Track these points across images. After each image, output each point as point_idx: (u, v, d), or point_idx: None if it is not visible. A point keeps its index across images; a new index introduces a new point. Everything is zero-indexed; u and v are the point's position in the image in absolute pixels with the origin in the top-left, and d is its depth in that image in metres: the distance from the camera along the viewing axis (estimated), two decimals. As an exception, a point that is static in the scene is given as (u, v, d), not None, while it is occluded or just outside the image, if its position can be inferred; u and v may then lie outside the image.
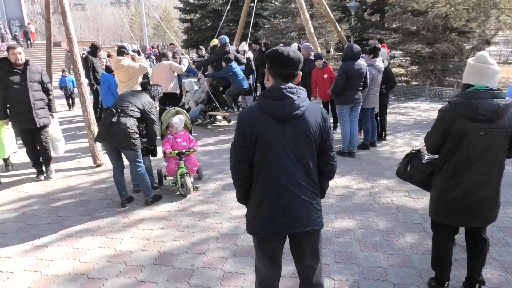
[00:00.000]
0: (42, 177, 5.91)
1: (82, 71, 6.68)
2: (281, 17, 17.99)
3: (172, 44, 10.46)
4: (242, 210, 4.71)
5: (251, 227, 2.41)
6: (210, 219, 4.51)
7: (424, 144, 2.96)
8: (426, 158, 3.03)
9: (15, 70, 5.40)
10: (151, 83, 5.31)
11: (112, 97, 8.78)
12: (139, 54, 8.08)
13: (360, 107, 6.45)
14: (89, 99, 6.68)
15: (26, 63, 5.49)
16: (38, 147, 5.82)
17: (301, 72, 2.32)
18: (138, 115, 4.74)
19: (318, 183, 2.38)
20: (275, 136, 2.20)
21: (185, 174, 5.07)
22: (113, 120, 4.56)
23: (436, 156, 2.94)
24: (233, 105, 9.10)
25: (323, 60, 7.88)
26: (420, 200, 4.82)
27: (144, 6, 25.61)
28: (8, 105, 5.52)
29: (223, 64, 8.92)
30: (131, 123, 4.64)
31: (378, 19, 16.35)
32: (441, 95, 11.78)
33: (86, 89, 6.66)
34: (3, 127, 5.98)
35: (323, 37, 16.54)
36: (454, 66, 13.09)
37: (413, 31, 12.95)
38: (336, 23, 11.54)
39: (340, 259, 3.59)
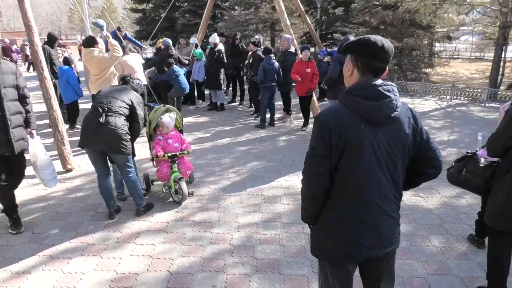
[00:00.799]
0: (21, 229, 4.08)
1: (44, 64, 5.86)
2: (242, 8, 17.51)
3: (119, 28, 9.94)
4: (249, 217, 4.33)
5: (326, 251, 2.02)
6: (216, 229, 4.05)
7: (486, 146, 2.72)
8: (482, 161, 2.80)
9: None
10: (131, 76, 4.71)
11: (72, 92, 7.99)
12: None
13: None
14: (54, 95, 5.89)
15: None
16: (11, 184, 4.09)
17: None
18: (127, 112, 4.17)
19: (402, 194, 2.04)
20: (369, 143, 1.81)
21: (180, 179, 4.56)
22: (100, 120, 3.95)
23: (494, 159, 2.71)
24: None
25: (310, 54, 7.54)
26: (430, 199, 4.66)
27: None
28: None
29: (165, 68, 8.73)
30: (121, 122, 4.06)
31: (342, 12, 16.39)
32: (407, 89, 11.95)
33: (51, 84, 5.86)
34: None
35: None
36: (418, 60, 13.37)
37: (378, 26, 13.02)
38: (307, 16, 11.30)
39: (375, 270, 3.30)
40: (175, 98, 9.05)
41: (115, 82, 6.22)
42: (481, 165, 2.78)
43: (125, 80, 4.53)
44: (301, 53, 7.58)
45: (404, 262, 3.41)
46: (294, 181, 5.26)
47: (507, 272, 2.78)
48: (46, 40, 8.31)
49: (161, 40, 10.64)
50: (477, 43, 29.24)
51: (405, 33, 12.62)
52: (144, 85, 8.41)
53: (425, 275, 3.24)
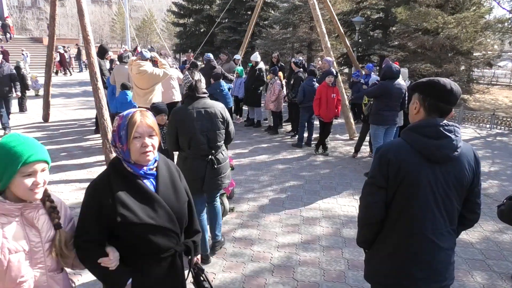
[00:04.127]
0: None
1: (99, 75, 6.21)
2: (279, 27, 17.83)
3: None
4: (288, 237, 4.41)
5: (382, 277, 2.08)
6: (256, 246, 4.15)
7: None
8: (534, 199, 2.80)
9: None
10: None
11: (116, 102, 8.30)
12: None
13: (395, 128, 6.24)
14: (106, 105, 6.20)
15: None
16: None
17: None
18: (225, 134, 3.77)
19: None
20: (426, 180, 1.90)
21: (222, 195, 4.70)
22: (214, 167, 3.61)
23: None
24: None
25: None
26: (472, 233, 4.60)
27: (127, 6, 24.77)
28: None
29: (212, 81, 8.63)
30: (226, 152, 3.83)
31: (381, 35, 16.40)
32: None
33: (103, 95, 6.19)
34: None
35: (322, 52, 16.47)
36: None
37: (417, 50, 12.95)
38: (346, 38, 11.40)
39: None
40: None
41: (159, 97, 6.39)
42: (534, 204, 2.78)
43: (199, 91, 3.62)
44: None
45: (446, 296, 3.40)
46: (333, 204, 5.30)
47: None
48: (96, 52, 8.73)
49: (191, 53, 10.35)
50: (517, 70, 28.38)
51: (444, 59, 12.49)
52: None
53: (468, 310, 3.22)
